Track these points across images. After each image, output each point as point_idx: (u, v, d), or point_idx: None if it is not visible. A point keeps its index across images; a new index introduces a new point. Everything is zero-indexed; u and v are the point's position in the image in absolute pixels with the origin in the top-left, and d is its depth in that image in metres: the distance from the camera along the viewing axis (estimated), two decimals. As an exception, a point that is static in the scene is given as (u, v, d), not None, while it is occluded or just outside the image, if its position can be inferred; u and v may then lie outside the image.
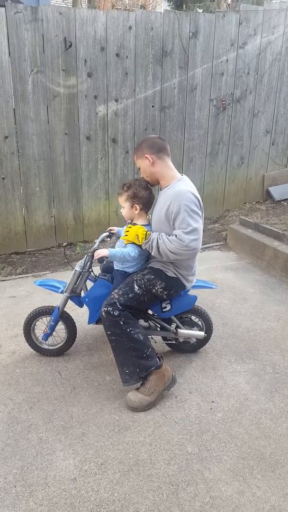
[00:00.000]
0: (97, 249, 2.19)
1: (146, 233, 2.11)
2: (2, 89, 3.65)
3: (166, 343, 2.51)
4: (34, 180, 4.04)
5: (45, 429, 1.98)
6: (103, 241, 2.41)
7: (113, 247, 2.40)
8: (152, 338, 2.34)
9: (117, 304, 2.05)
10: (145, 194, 2.19)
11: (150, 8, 14.87)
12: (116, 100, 4.17)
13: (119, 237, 2.41)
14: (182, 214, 1.99)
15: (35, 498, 1.64)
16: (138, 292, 2.11)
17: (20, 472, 1.75)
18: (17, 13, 3.53)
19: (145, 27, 4.09)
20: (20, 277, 3.74)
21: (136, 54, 4.12)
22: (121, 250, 2.15)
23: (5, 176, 3.89)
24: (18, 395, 2.20)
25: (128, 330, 2.04)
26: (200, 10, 8.96)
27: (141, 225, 2.20)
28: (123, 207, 2.25)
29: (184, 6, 11.13)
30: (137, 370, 2.07)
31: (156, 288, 2.15)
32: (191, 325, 2.45)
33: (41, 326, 2.48)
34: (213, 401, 2.16)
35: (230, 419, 2.04)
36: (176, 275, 2.18)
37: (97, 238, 2.43)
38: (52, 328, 2.41)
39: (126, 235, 2.16)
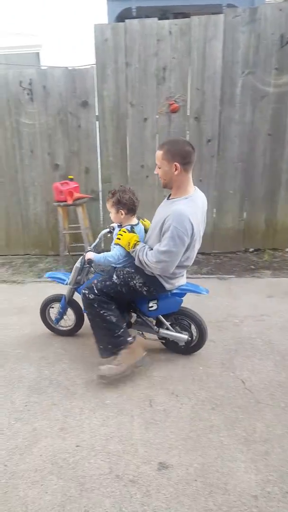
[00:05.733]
0: (89, 251, 2.41)
1: (136, 242, 2.28)
2: (212, 94, 3.79)
3: (161, 342, 2.61)
4: (230, 183, 4.06)
5: (226, 434, 1.96)
6: (104, 237, 2.65)
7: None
8: (142, 334, 2.58)
9: (94, 288, 2.30)
10: (128, 200, 2.32)
11: None
12: None
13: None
14: (168, 233, 2.09)
15: (214, 500, 1.64)
16: (116, 281, 2.30)
17: (201, 468, 1.78)
18: (236, 17, 3.58)
19: None
20: (204, 277, 3.83)
21: None
22: (104, 256, 2.34)
23: (202, 178, 4.03)
24: (201, 392, 2.26)
25: (101, 312, 2.29)
26: None
27: (130, 224, 2.38)
28: (111, 212, 2.41)
29: None
30: (109, 346, 2.34)
31: (134, 281, 2.29)
32: (183, 328, 2.52)
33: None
34: None
35: None
36: (152, 274, 2.26)
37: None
38: (61, 314, 2.77)
39: (119, 239, 2.31)
